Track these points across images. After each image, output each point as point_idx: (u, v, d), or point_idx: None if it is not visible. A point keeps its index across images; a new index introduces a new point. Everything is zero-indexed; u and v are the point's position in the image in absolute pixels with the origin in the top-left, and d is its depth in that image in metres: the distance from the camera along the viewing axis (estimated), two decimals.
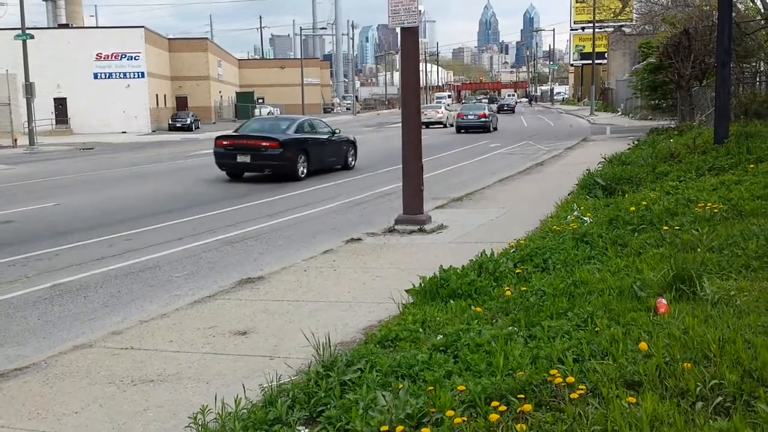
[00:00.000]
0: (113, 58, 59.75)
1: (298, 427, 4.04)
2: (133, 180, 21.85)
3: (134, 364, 5.73)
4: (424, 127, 37.15)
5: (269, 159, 19.69)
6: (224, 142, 20.47)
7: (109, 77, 59.59)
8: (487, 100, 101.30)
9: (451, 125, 48.17)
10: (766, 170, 10.74)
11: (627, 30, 66.94)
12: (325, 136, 22.16)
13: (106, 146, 42.39)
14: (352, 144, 23.74)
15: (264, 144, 19.67)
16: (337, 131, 23.12)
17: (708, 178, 11.37)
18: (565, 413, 3.66)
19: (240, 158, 19.93)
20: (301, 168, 20.21)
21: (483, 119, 43.31)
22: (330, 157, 22.22)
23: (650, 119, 41.53)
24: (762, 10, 20.50)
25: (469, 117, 43.81)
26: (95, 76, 59.42)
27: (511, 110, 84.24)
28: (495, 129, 44.43)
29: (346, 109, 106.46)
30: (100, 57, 59.49)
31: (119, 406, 4.90)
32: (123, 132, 56.64)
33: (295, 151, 20.14)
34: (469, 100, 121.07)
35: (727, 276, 5.98)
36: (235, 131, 21.90)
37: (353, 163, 23.50)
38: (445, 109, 56.10)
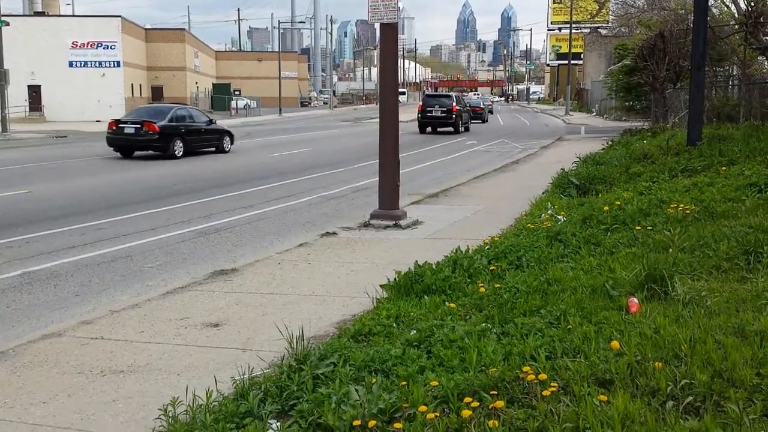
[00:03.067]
0: (89, 47, 58.98)
1: (269, 421, 4.01)
2: (106, 169, 21.60)
3: (104, 354, 5.67)
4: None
5: None
6: None
7: (84, 66, 58.85)
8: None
9: None
10: (738, 173, 10.86)
11: (603, 32, 67.60)
12: None
13: (80, 135, 41.86)
14: None
15: None
16: None
17: (681, 180, 11.47)
18: (537, 410, 3.67)
19: None
20: None
21: (490, 105, 68.80)
22: None
23: (624, 120, 41.91)
24: (736, 15, 20.75)
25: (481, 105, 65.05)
26: (70, 64, 58.65)
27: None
28: (467, 130, 42.02)
29: (323, 103, 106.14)
30: (76, 45, 58.71)
31: (88, 397, 4.84)
32: (97, 121, 55.84)
33: None
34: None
35: (698, 276, 6.04)
36: None
37: None
38: None
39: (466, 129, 39.93)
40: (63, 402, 4.78)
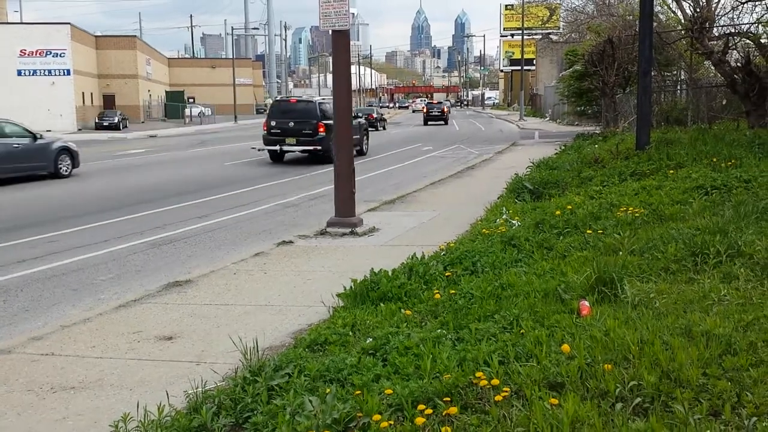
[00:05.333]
0: (38, 55, 57.84)
1: None
2: (57, 179, 21.18)
3: (55, 370, 5.57)
4: None
5: None
6: None
7: (33, 74, 57.69)
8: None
9: None
10: (685, 176, 11.10)
11: (554, 38, 68.50)
12: None
13: None
14: None
15: None
16: None
17: (630, 183, 11.68)
18: (490, 415, 3.71)
19: None
20: None
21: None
22: None
23: (576, 125, 42.51)
24: (682, 21, 21.20)
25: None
26: (19, 72, 57.45)
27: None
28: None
29: None
30: (24, 53, 57.53)
31: (38, 414, 4.76)
32: (48, 131, 54.77)
33: None
34: (402, 102, 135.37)
35: (647, 279, 6.15)
36: None
37: None
38: None
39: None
40: (12, 420, 4.68)
